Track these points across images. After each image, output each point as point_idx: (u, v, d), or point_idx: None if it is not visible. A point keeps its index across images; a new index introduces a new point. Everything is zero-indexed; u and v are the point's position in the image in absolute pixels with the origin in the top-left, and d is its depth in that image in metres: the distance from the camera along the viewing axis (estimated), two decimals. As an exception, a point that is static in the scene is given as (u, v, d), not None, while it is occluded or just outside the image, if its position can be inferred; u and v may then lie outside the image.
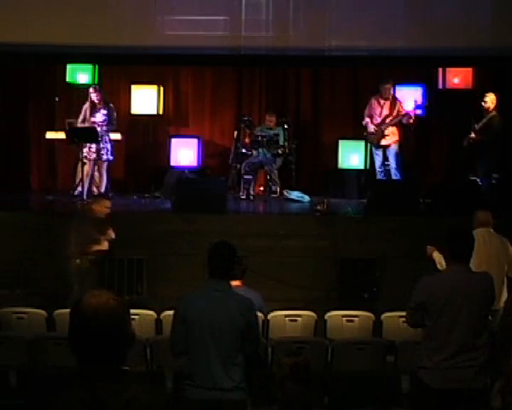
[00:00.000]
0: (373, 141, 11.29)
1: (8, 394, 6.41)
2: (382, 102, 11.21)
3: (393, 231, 9.63)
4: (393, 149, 11.18)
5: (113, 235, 8.49)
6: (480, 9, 10.21)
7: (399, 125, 11.19)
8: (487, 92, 10.62)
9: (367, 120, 11.24)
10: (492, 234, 7.61)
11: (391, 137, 11.19)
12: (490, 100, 10.49)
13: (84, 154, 10.80)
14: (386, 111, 11.18)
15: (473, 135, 10.48)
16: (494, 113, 10.50)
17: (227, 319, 4.87)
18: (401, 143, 11.30)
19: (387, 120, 11.13)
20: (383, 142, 11.21)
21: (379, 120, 11.18)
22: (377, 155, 11.32)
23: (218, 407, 4.86)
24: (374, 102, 11.25)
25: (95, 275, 8.43)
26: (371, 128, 11.19)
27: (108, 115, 10.86)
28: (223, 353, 4.86)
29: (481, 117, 10.55)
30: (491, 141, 10.43)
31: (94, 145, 10.64)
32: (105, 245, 8.47)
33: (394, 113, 11.13)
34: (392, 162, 11.20)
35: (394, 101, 11.23)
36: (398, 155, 11.18)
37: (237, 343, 4.89)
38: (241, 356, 4.93)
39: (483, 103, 10.49)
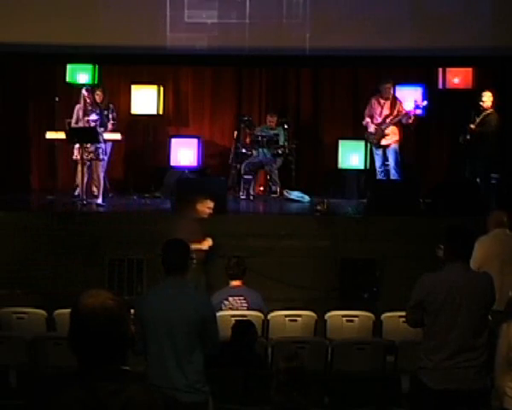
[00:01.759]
0: (373, 141, 11.28)
1: (8, 394, 6.41)
2: (382, 102, 11.20)
3: (393, 231, 9.63)
4: (393, 148, 11.17)
5: (210, 242, 8.54)
6: (480, 9, 10.22)
7: (399, 124, 11.19)
8: (485, 91, 10.63)
9: (367, 120, 11.24)
10: (509, 234, 7.52)
11: (391, 137, 11.18)
12: (487, 98, 10.50)
13: (76, 155, 10.80)
14: (386, 111, 11.18)
15: (472, 126, 10.47)
16: (491, 110, 10.51)
17: (181, 315, 4.79)
18: (401, 143, 11.30)
19: (387, 120, 11.13)
20: (383, 141, 11.20)
21: (379, 119, 11.17)
22: (377, 154, 11.32)
23: (172, 407, 4.71)
24: (374, 102, 11.25)
25: (201, 273, 8.50)
26: (371, 128, 11.18)
27: (101, 116, 10.84)
28: (177, 351, 4.78)
29: (478, 115, 10.56)
30: (487, 137, 10.42)
31: (89, 145, 10.62)
32: (206, 244, 8.52)
33: (394, 112, 11.13)
34: (391, 162, 11.19)
35: (394, 100, 11.23)
36: (397, 155, 11.18)
37: (193, 341, 4.81)
38: (197, 356, 4.84)
39: (481, 102, 10.51)
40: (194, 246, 8.29)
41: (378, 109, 11.22)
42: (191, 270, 8.13)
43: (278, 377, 4.47)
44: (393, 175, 11.16)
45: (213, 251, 8.70)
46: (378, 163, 11.32)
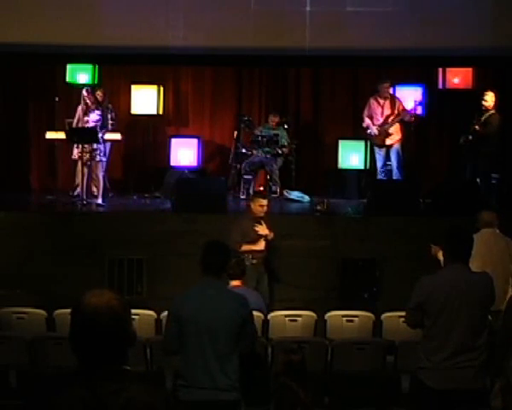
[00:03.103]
0: (376, 141, 11.24)
1: (8, 394, 6.41)
2: (382, 101, 11.19)
3: (393, 231, 9.62)
4: (396, 148, 11.15)
5: (270, 235, 8.54)
6: (480, 9, 10.21)
7: (401, 123, 11.16)
8: (487, 91, 10.62)
9: (368, 121, 11.19)
10: (497, 234, 7.59)
11: (394, 136, 11.15)
12: (490, 98, 10.49)
13: (75, 154, 10.81)
14: (387, 111, 11.14)
15: (476, 127, 10.47)
16: (493, 111, 10.51)
17: (222, 316, 4.84)
18: (403, 143, 11.28)
19: (389, 120, 11.10)
20: (387, 141, 11.15)
21: (380, 120, 11.13)
22: (379, 154, 11.27)
23: (212, 407, 4.80)
24: (373, 102, 11.23)
25: (261, 274, 8.52)
26: (374, 130, 11.12)
27: (102, 117, 10.83)
28: (219, 351, 4.82)
29: (481, 115, 10.56)
30: (489, 138, 10.43)
31: (87, 146, 10.62)
32: (261, 244, 8.51)
33: (395, 111, 11.11)
34: (393, 162, 11.16)
35: (393, 100, 11.22)
36: (399, 155, 11.16)
37: (233, 341, 4.86)
38: (236, 355, 4.90)
39: (483, 102, 10.50)
40: (247, 247, 8.35)
41: (378, 109, 11.20)
42: (249, 271, 8.27)
43: (276, 370, 4.48)
44: (395, 175, 11.14)
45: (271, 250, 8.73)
46: (380, 163, 11.28)
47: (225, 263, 5.07)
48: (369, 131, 11.24)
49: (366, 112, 11.26)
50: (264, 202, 8.63)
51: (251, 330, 5.01)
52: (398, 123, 11.13)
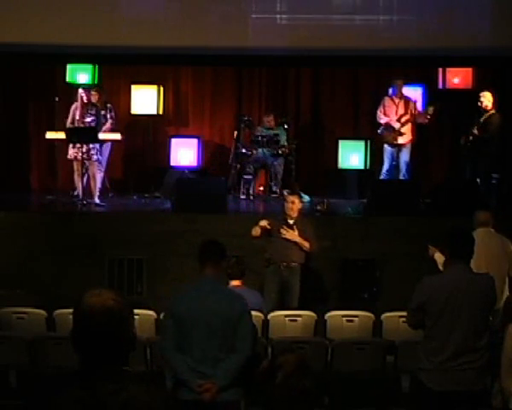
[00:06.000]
0: (389, 140, 11.18)
1: (8, 394, 6.41)
2: (397, 101, 11.12)
3: (393, 231, 9.62)
4: (407, 148, 11.10)
5: (304, 244, 8.45)
6: (480, 9, 10.21)
7: (413, 124, 11.12)
8: (482, 91, 10.60)
9: (386, 118, 11.08)
10: (492, 234, 7.62)
11: (407, 136, 11.12)
12: (486, 99, 10.47)
13: (70, 154, 10.81)
14: (401, 110, 11.09)
15: (475, 131, 10.45)
16: (493, 111, 10.50)
17: (218, 315, 4.82)
18: (413, 143, 11.23)
19: (403, 119, 11.05)
20: (400, 140, 11.11)
21: (394, 118, 11.10)
22: (389, 153, 11.20)
23: (211, 406, 4.77)
24: (388, 100, 11.16)
25: (284, 282, 8.45)
26: (396, 124, 11.04)
27: (97, 117, 10.82)
28: (214, 350, 4.80)
29: (481, 117, 10.55)
30: (490, 139, 10.42)
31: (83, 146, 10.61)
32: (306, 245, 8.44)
33: (409, 111, 11.06)
34: (403, 162, 11.09)
35: (407, 100, 11.17)
36: (410, 155, 11.12)
37: (228, 340, 4.83)
38: (233, 354, 4.85)
39: (479, 103, 10.49)
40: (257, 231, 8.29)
41: (393, 108, 11.11)
42: (268, 275, 8.17)
43: (284, 374, 4.44)
44: (402, 175, 11.09)
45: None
46: (387, 162, 11.21)
47: (222, 261, 5.06)
48: (380, 128, 11.14)
49: (382, 109, 11.16)
50: (291, 198, 8.57)
51: (248, 329, 4.95)
52: (411, 123, 11.08)
